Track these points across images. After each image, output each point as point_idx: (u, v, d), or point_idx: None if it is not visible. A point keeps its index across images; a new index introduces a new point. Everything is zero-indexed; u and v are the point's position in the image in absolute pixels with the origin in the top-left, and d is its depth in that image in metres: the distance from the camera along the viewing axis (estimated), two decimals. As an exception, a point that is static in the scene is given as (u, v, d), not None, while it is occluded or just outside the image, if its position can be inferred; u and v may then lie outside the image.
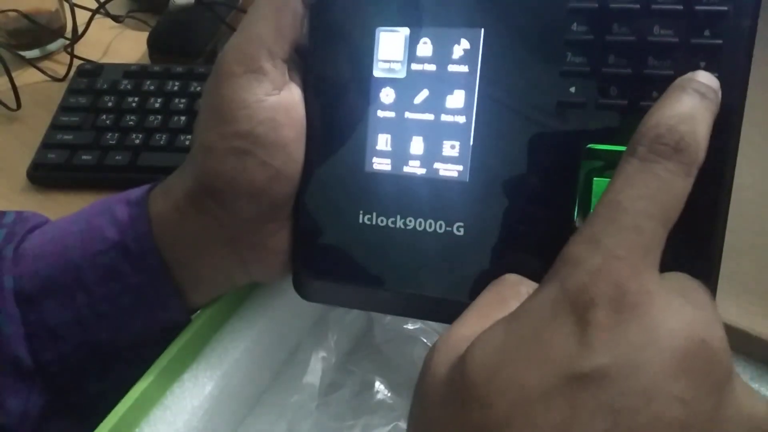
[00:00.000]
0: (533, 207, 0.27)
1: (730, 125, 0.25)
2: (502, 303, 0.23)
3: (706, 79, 0.24)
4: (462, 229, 0.28)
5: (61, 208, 0.53)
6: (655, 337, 0.19)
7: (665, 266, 0.26)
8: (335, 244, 0.31)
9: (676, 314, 0.19)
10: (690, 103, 0.22)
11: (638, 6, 0.26)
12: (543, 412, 0.18)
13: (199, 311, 0.35)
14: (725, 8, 0.25)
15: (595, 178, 0.27)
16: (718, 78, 0.25)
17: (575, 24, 0.26)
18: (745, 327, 0.33)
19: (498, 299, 0.24)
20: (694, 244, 0.26)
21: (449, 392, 0.21)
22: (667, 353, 0.19)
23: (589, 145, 0.26)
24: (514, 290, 0.24)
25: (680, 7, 0.25)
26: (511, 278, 0.25)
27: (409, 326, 0.42)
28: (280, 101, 0.29)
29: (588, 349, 0.19)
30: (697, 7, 0.25)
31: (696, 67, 0.25)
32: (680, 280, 0.22)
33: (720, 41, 0.25)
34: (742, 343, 0.33)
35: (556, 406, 0.18)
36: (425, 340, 0.40)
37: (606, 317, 0.19)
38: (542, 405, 0.19)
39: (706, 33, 0.25)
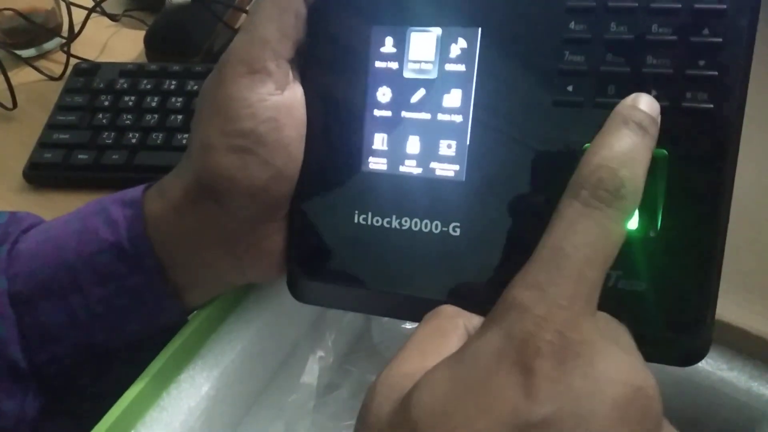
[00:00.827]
0: (529, 207, 0.27)
1: (730, 125, 0.25)
2: (442, 337, 0.23)
3: (647, 106, 0.24)
4: (458, 230, 0.28)
5: (58, 208, 0.52)
6: (598, 386, 0.19)
7: (664, 276, 0.25)
8: (330, 244, 0.30)
9: (615, 362, 0.20)
10: (632, 142, 0.23)
11: (636, 4, 0.26)
12: None
13: (195, 312, 0.35)
14: (724, 6, 0.25)
15: None
16: (717, 77, 0.25)
17: (573, 22, 0.26)
18: (745, 326, 0.33)
19: (438, 333, 0.24)
20: (694, 249, 0.25)
21: None
22: (608, 402, 0.19)
23: (586, 145, 0.26)
24: (452, 323, 0.24)
25: (679, 5, 0.25)
26: (449, 310, 0.25)
27: (407, 326, 0.42)
28: (282, 101, 0.29)
29: (534, 400, 0.19)
30: (696, 6, 0.25)
31: (695, 66, 0.25)
32: (609, 323, 0.23)
33: (719, 39, 0.25)
34: (741, 342, 0.33)
35: None
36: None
37: (551, 367, 0.19)
38: None
39: (705, 31, 0.25)
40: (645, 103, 0.24)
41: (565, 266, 0.21)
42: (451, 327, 0.24)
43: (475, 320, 0.24)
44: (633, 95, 0.24)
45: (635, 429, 0.19)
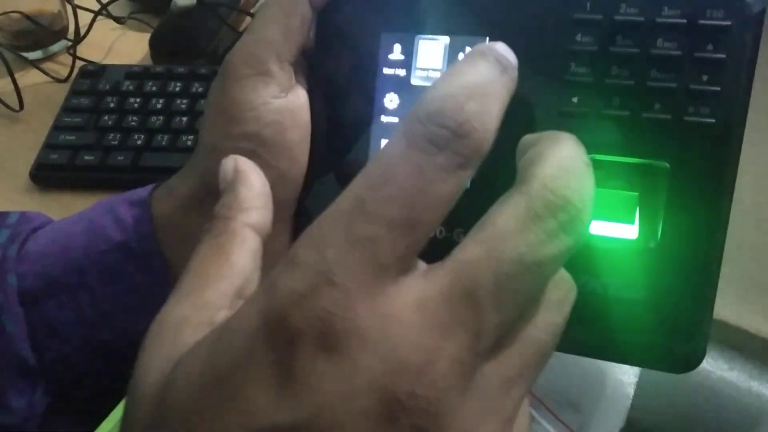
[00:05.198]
0: None
1: (731, 140, 0.25)
2: (221, 255, 0.20)
3: (508, 53, 0.19)
4: (462, 236, 0.28)
5: (64, 209, 0.53)
6: (352, 391, 0.16)
7: (662, 285, 0.26)
8: None
9: (385, 357, 0.16)
10: (487, 74, 0.18)
11: (642, 18, 0.26)
12: None
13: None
14: (728, 23, 0.25)
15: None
16: (720, 92, 0.25)
17: (579, 34, 0.26)
18: (745, 325, 0.33)
19: (216, 252, 0.20)
20: (692, 260, 0.26)
21: (152, 425, 0.18)
22: (357, 411, 0.16)
23: (591, 156, 0.26)
24: (231, 234, 0.20)
25: (684, 21, 0.25)
26: (223, 212, 0.21)
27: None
28: (286, 104, 0.30)
29: (281, 401, 0.16)
30: (701, 22, 0.25)
31: (698, 81, 0.25)
32: (428, 290, 0.17)
33: (723, 55, 0.25)
34: (741, 342, 0.34)
35: None
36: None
37: (307, 361, 0.16)
38: None
39: (709, 47, 0.25)
40: (504, 48, 0.19)
41: (357, 226, 0.16)
42: (230, 240, 0.20)
43: (255, 215, 0.21)
44: (491, 42, 0.19)
45: None
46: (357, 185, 0.17)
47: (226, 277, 0.20)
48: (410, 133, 0.17)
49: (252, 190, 0.22)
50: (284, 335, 0.16)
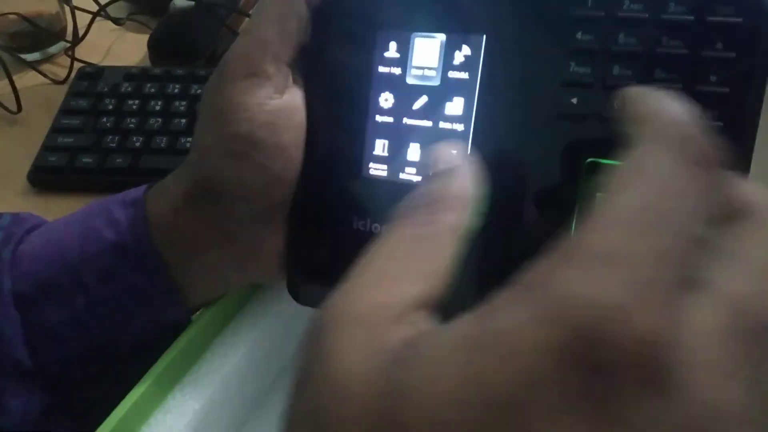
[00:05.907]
0: (531, 219, 0.27)
1: (740, 144, 0.24)
2: (424, 250, 0.17)
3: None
4: None
5: (62, 211, 0.52)
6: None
7: None
8: (328, 249, 0.30)
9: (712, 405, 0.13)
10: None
11: (647, 15, 0.25)
12: None
13: (199, 313, 0.35)
14: (739, 20, 0.23)
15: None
16: (729, 94, 0.24)
17: (580, 33, 0.26)
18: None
19: (419, 244, 0.17)
20: None
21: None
22: None
23: (590, 159, 0.26)
24: (433, 225, 0.17)
25: (691, 17, 0.24)
26: (418, 201, 0.18)
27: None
28: (281, 105, 0.29)
29: None
30: (710, 18, 0.24)
31: (706, 81, 0.24)
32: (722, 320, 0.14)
33: (733, 54, 0.24)
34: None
35: None
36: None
37: (630, 399, 0.12)
38: None
39: (718, 46, 0.24)
40: None
41: (653, 239, 0.13)
42: (433, 230, 0.17)
43: (465, 217, 0.18)
44: None
45: None
46: (633, 198, 0.15)
47: (426, 276, 0.16)
48: (671, 144, 0.15)
49: (466, 190, 0.19)
50: (598, 361, 0.12)
